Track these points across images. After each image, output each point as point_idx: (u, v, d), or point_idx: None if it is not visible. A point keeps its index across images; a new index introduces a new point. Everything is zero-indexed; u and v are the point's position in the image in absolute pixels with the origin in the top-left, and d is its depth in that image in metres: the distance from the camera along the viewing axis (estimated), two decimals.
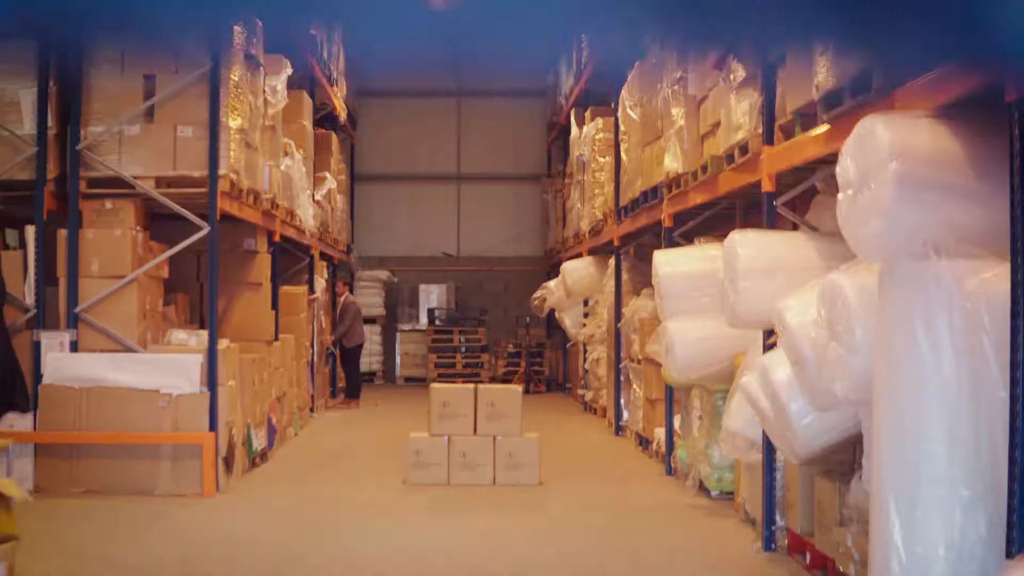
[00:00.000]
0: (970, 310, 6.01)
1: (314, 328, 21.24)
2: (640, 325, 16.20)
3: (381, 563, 9.70)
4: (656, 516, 11.71)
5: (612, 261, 18.73)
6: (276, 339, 16.83)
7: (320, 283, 21.62)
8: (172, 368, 12.86)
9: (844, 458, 9.08)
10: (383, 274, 29.78)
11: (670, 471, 14.07)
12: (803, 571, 9.14)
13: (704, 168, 11.81)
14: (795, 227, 10.71)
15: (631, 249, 18.82)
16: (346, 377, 23.01)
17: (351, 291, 27.44)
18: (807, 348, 7.69)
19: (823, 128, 8.42)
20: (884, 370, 6.43)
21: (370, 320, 29.02)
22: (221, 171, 13.07)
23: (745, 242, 9.52)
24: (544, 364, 28.10)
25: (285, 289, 18.91)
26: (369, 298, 29.42)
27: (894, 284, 6.39)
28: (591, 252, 21.71)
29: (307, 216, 19.41)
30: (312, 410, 20.97)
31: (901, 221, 6.35)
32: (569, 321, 23.33)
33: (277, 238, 17.02)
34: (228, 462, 13.16)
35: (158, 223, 14.39)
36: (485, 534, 10.95)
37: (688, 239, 14.58)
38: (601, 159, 19.90)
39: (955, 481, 6.11)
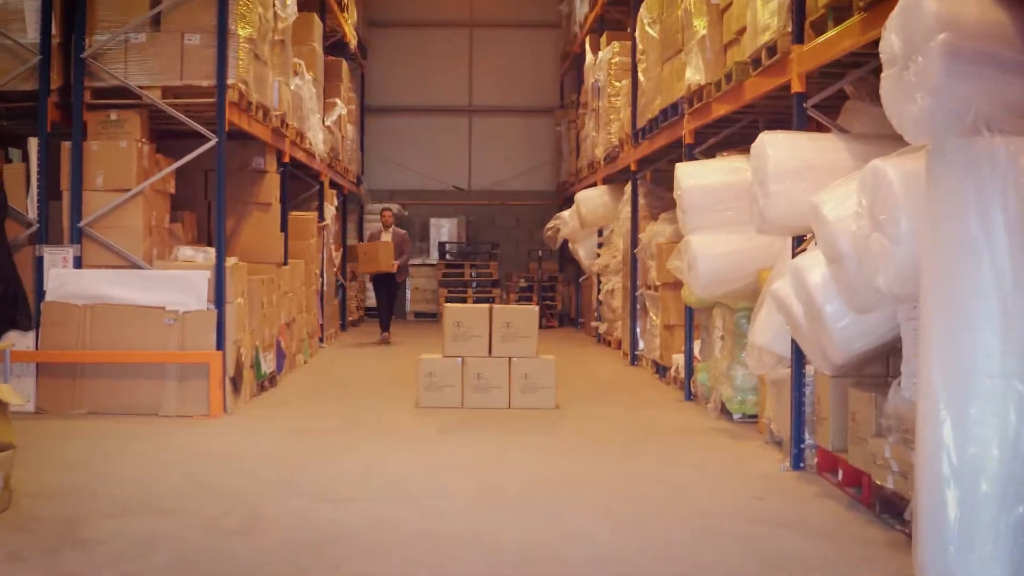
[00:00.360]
0: None
1: (323, 256, 20.86)
2: (657, 251, 15.82)
3: (391, 477, 9.34)
4: (677, 438, 11.34)
5: (628, 187, 18.32)
6: (286, 263, 16.46)
7: (330, 211, 21.21)
8: (179, 285, 12.49)
9: (878, 371, 8.71)
10: (393, 207, 28.63)
11: (690, 396, 13.71)
12: (834, 488, 8.78)
13: (728, 77, 11.38)
14: (823, 132, 10.27)
15: (648, 174, 18.41)
16: (388, 312, 22.39)
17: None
18: (846, 242, 7.29)
19: (858, 17, 7.99)
20: (933, 259, 6.00)
21: None
22: (229, 80, 12.64)
23: (775, 143, 9.10)
24: (556, 298, 27.69)
25: (294, 214, 18.54)
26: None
27: (943, 165, 5.96)
28: (606, 181, 21.31)
29: (317, 140, 19.02)
30: (322, 340, 20.64)
31: (950, 96, 5.93)
32: (583, 252, 22.92)
33: (287, 159, 16.63)
34: (236, 383, 12.81)
35: (165, 141, 14.01)
36: (499, 454, 10.57)
37: (710, 157, 14.15)
38: (617, 83, 19.45)
39: (1010, 374, 5.70)
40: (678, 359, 14.67)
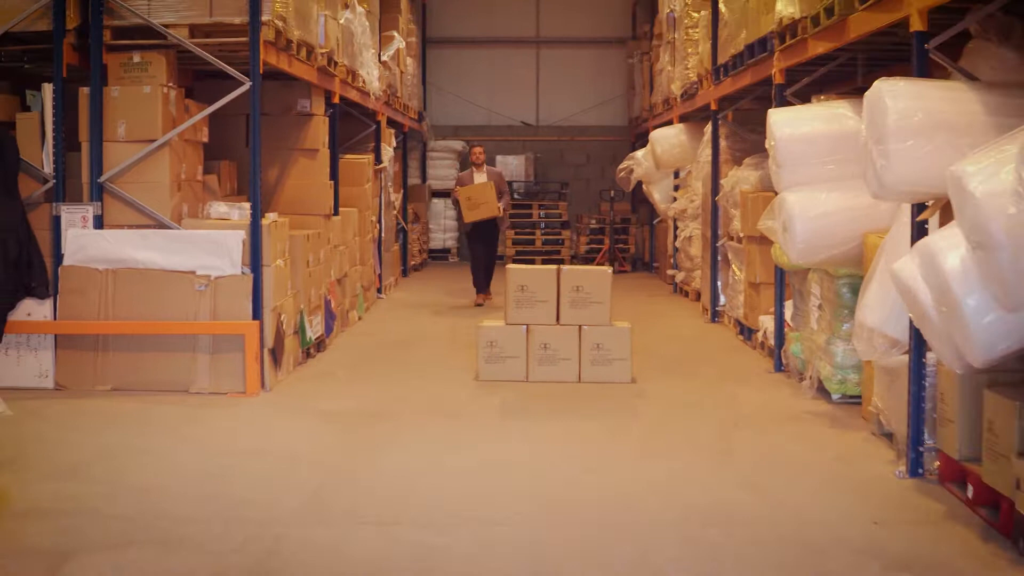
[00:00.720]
0: None
1: (381, 201, 19.56)
2: (741, 199, 14.41)
3: (442, 489, 8.00)
4: (771, 426, 9.92)
5: (708, 128, 16.85)
6: (336, 213, 15.18)
7: (388, 152, 19.84)
8: (210, 246, 11.21)
9: (1016, 366, 7.29)
10: (457, 144, 28.08)
11: (780, 367, 12.33)
12: (963, 507, 7.39)
13: (829, 11, 9.90)
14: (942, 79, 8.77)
15: (729, 114, 16.90)
16: (488, 268, 18.99)
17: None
18: (998, 227, 5.84)
19: None
20: None
21: (444, 193, 27.64)
22: (264, 17, 11.28)
23: (896, 93, 7.58)
24: (630, 241, 26.21)
25: (347, 158, 17.25)
26: (443, 170, 28.00)
27: None
28: (683, 119, 19.86)
29: (371, 77, 17.65)
30: (380, 291, 19.39)
31: None
32: (658, 195, 21.48)
33: (336, 100, 15.29)
34: (276, 354, 11.55)
35: (199, 83, 12.73)
36: (570, 450, 9.17)
37: (802, 99, 12.70)
38: (695, 14, 17.95)
39: None
40: (766, 322, 13.28)
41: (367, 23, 17.20)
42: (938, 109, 7.49)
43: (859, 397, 10.28)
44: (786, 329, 12.23)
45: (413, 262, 24.70)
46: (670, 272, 21.24)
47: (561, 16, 28.96)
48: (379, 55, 19.18)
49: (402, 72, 21.80)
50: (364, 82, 17.01)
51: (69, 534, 6.82)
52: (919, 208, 7.98)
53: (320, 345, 13.57)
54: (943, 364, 7.59)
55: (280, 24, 11.63)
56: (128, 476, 8.18)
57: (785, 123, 10.55)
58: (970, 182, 6.10)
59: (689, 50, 18.29)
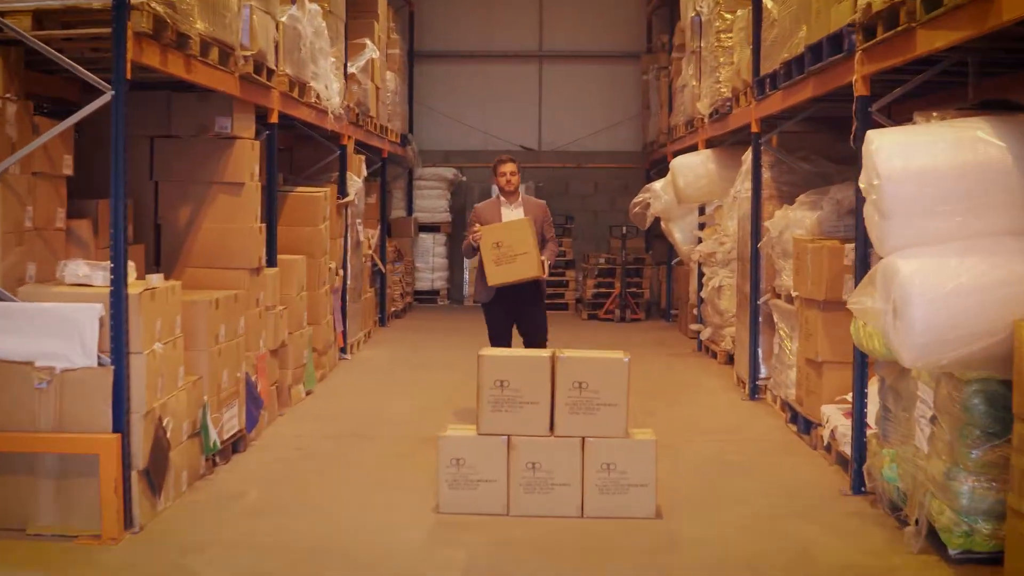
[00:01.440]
0: None
1: (347, 242, 16.20)
2: (795, 248, 11.13)
3: None
4: None
5: (748, 155, 13.48)
6: (271, 264, 11.84)
7: (355, 183, 16.45)
8: (56, 326, 7.81)
9: None
10: (449, 172, 24.98)
11: (859, 487, 8.90)
12: None
13: None
14: None
15: (774, 138, 13.48)
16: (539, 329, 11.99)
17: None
18: None
19: None
20: None
21: (432, 227, 24.71)
22: None
23: None
24: (644, 284, 22.68)
25: (298, 192, 13.95)
26: (431, 201, 24.90)
27: None
28: (710, 144, 16.59)
29: (331, 92, 14.30)
30: (344, 351, 16.02)
31: None
32: (679, 234, 18.09)
33: (274, 118, 11.95)
34: (153, 477, 8.14)
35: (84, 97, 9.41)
36: None
37: (893, 119, 9.31)
38: (729, 15, 14.65)
39: None
40: (831, 415, 9.93)
41: (323, 24, 13.87)
42: None
43: (993, 555, 6.91)
44: (869, 435, 8.83)
45: (394, 308, 21.39)
46: (693, 326, 17.84)
47: (567, 28, 25.97)
48: (346, 66, 15.87)
49: (378, 88, 18.49)
50: (319, 97, 13.67)
51: None
52: None
53: (238, 445, 10.20)
54: None
55: (163, 11, 8.25)
56: None
57: (895, 151, 7.03)
58: None
59: (721, 59, 14.96)
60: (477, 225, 11.12)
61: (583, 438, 8.29)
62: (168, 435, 8.38)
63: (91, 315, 7.78)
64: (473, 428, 8.45)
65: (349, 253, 16.36)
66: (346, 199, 15.91)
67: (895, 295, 6.80)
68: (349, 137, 16.11)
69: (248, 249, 10.90)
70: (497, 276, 10.95)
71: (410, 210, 24.65)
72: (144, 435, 7.97)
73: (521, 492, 8.26)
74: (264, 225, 11.39)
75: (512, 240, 10.90)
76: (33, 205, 8.42)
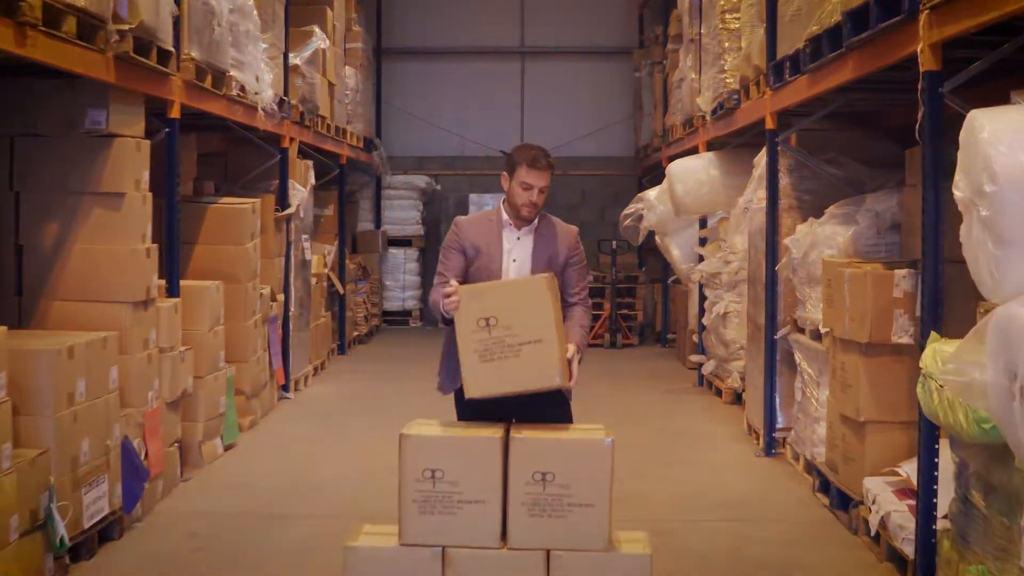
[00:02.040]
0: None
1: (290, 262, 13.93)
2: (826, 274, 8.93)
3: None
4: None
5: (760, 157, 11.23)
6: (172, 294, 9.55)
7: (299, 192, 14.17)
8: None
9: None
10: (421, 180, 23.24)
11: None
12: None
13: None
14: None
15: (793, 137, 11.19)
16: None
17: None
18: None
19: None
20: None
21: (403, 241, 22.94)
22: None
23: None
24: (637, 305, 20.72)
25: (222, 203, 11.75)
26: (402, 212, 23.17)
27: None
28: (712, 146, 14.54)
29: (261, 84, 12.02)
30: (286, 388, 13.74)
31: None
32: (677, 251, 15.98)
33: (176, 113, 9.65)
34: None
35: None
36: None
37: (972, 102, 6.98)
38: None
39: None
40: (879, 493, 7.68)
41: (250, 3, 11.59)
42: None
43: None
44: (939, 532, 6.52)
45: (357, 333, 19.29)
46: (693, 357, 15.63)
47: (551, 22, 24.13)
48: (286, 56, 13.62)
49: (332, 84, 16.33)
50: (244, 89, 11.40)
51: None
52: None
53: (112, 531, 7.89)
54: None
55: None
56: None
57: (1009, 138, 4.75)
58: None
59: (726, 44, 12.79)
60: (453, 282, 6.33)
61: (547, 551, 5.87)
62: None
63: None
64: (394, 533, 6.08)
65: (292, 274, 14.09)
66: (286, 211, 13.65)
67: (1022, 366, 4.45)
68: (292, 139, 13.89)
69: (131, 277, 8.61)
70: (482, 380, 6.18)
71: (378, 222, 22.85)
72: None
73: None
74: (156, 247, 9.05)
75: (516, 316, 6.19)
76: None
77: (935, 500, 6.71)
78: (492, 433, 6.02)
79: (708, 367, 14.48)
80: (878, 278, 8.01)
